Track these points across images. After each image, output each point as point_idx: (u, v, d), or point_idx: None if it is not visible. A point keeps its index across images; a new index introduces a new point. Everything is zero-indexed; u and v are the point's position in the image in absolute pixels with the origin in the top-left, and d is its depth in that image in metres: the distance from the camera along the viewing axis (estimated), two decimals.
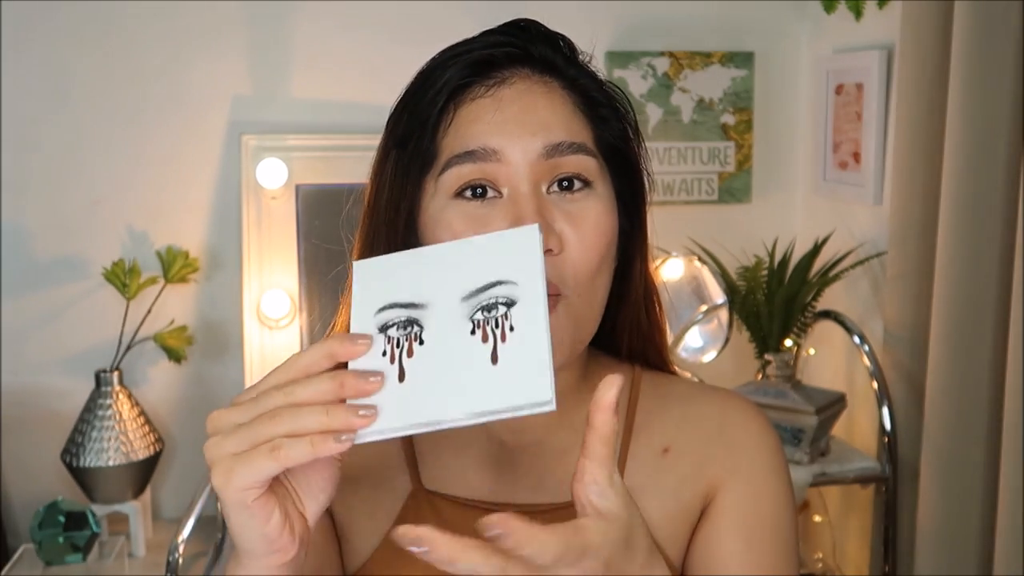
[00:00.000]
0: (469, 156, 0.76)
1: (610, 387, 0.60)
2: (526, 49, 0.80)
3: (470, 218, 0.76)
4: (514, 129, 0.76)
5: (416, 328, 0.62)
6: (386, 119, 0.83)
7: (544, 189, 0.77)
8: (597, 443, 0.59)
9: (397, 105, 0.82)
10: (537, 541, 0.54)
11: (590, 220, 0.77)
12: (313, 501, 0.64)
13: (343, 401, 0.59)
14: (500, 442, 0.86)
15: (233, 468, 0.58)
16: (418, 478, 0.84)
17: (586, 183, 0.78)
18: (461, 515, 0.82)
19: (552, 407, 0.57)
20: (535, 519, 0.76)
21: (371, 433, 0.58)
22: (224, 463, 0.59)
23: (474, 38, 0.82)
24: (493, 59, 0.79)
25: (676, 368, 0.95)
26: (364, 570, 0.82)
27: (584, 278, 0.77)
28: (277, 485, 0.62)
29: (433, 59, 0.82)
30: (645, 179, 0.85)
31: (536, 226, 0.63)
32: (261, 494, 0.60)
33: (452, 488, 0.84)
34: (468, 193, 0.77)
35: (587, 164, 0.78)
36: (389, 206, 0.80)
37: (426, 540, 0.54)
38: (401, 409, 0.59)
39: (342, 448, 0.57)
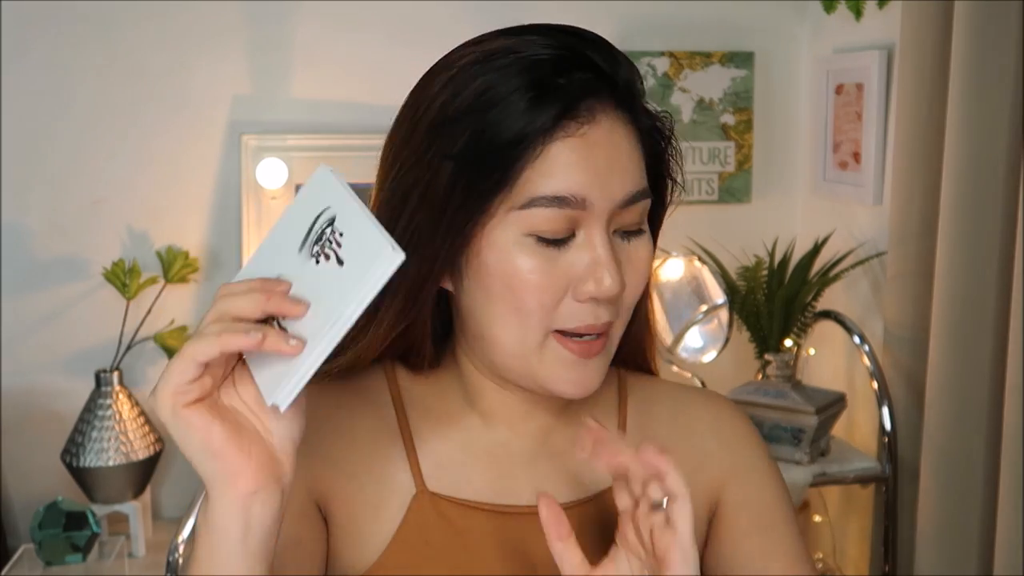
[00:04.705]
0: (558, 201, 0.75)
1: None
2: (612, 79, 0.78)
3: (542, 258, 0.76)
4: (603, 178, 0.76)
5: None
6: (431, 123, 0.76)
7: (611, 231, 0.78)
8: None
9: (450, 114, 0.75)
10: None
11: (642, 261, 0.81)
12: (281, 427, 0.67)
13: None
14: (501, 443, 0.86)
15: (167, 368, 0.64)
16: (421, 479, 0.84)
17: (641, 229, 0.81)
18: (465, 517, 0.83)
19: (402, 256, 0.61)
20: (534, 519, 0.76)
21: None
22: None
23: (539, 45, 0.76)
24: (581, 94, 0.75)
25: (657, 369, 0.96)
26: (372, 571, 0.82)
27: (630, 310, 0.82)
28: (227, 398, 0.66)
29: (496, 69, 0.75)
30: (669, 194, 0.86)
31: (324, 166, 0.69)
32: (193, 401, 0.64)
33: (455, 490, 0.84)
34: (547, 237, 0.76)
35: (646, 207, 0.80)
36: (444, 220, 0.75)
37: None
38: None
39: (249, 342, 0.62)
